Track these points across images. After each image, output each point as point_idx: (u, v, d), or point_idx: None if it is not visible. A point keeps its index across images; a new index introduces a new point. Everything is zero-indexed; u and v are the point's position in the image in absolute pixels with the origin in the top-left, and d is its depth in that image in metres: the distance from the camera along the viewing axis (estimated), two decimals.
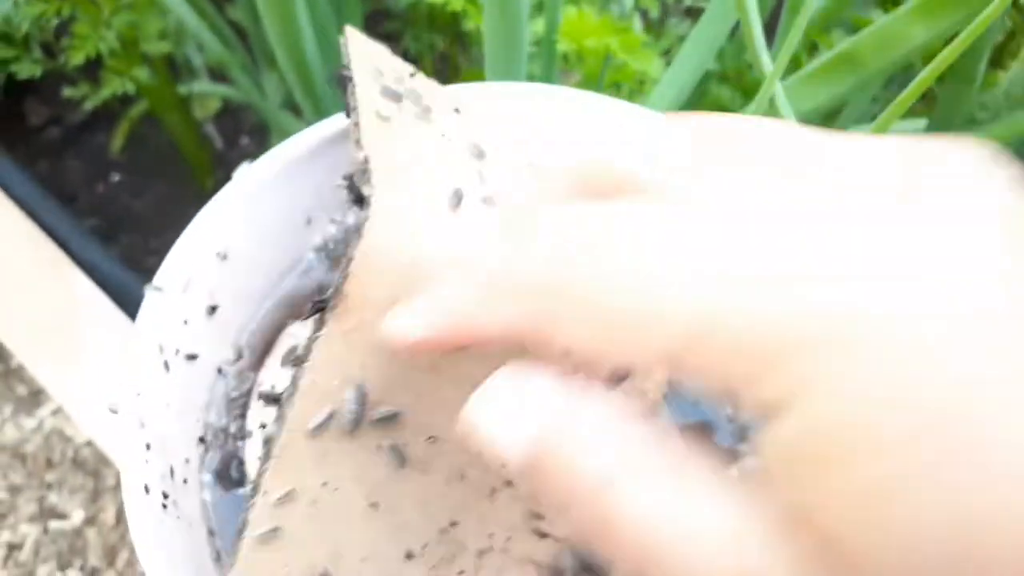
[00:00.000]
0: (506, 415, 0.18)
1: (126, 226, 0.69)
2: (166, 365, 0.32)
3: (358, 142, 0.27)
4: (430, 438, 0.26)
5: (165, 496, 0.30)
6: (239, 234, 0.35)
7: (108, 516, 0.73)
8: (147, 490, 0.28)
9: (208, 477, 0.33)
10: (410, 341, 0.20)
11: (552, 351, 0.17)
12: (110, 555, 0.73)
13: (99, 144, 0.72)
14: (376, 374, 0.25)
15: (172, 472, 0.31)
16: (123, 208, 0.71)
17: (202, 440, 0.33)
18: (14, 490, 0.72)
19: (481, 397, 0.18)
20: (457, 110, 0.31)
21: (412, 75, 0.31)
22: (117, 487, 0.72)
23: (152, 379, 0.31)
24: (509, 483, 0.26)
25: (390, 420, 0.25)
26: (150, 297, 0.32)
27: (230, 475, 0.33)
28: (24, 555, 0.72)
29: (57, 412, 0.76)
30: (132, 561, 0.72)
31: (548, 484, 0.17)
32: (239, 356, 0.35)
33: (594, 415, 0.17)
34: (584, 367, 0.18)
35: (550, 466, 0.17)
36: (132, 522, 0.28)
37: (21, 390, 0.76)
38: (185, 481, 0.32)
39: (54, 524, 0.73)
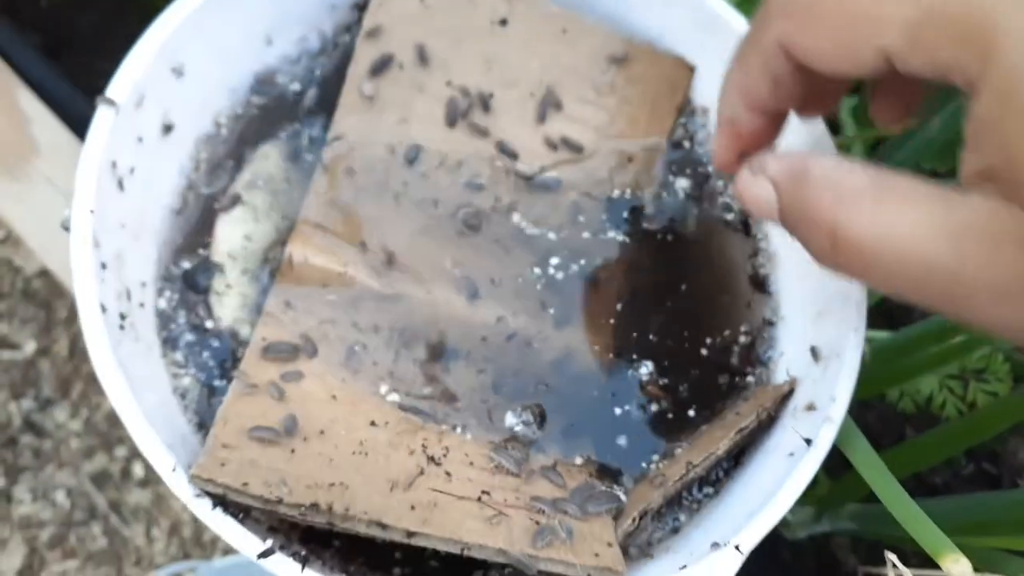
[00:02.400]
0: (759, 182, 0.25)
1: (71, 44, 0.65)
2: (120, 184, 0.30)
3: None
4: None
5: (122, 317, 0.29)
6: (195, 48, 0.33)
7: (61, 348, 0.73)
8: (104, 309, 0.27)
9: (165, 304, 0.32)
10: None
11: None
12: (64, 386, 0.73)
13: None
14: None
15: (129, 294, 0.30)
16: (67, 24, 0.66)
17: (160, 267, 0.32)
18: None
19: (742, 174, 0.26)
20: None
21: None
22: (70, 319, 0.71)
23: (105, 197, 0.29)
24: None
25: None
26: (102, 112, 0.30)
27: (195, 310, 0.32)
28: None
29: (5, 241, 0.74)
30: (87, 393, 0.72)
31: (792, 214, 0.24)
32: (197, 176, 0.34)
33: (819, 165, 0.23)
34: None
35: (793, 205, 0.24)
36: (89, 340, 0.27)
37: None
38: (142, 305, 0.31)
39: (6, 354, 0.72)
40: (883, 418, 0.52)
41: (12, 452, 0.72)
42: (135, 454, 0.70)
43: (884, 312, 0.49)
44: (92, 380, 0.71)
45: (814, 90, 0.27)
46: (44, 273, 0.72)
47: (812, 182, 0.23)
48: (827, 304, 0.33)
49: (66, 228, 0.28)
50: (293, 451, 0.28)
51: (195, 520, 0.72)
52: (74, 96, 0.45)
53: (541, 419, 0.32)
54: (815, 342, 0.32)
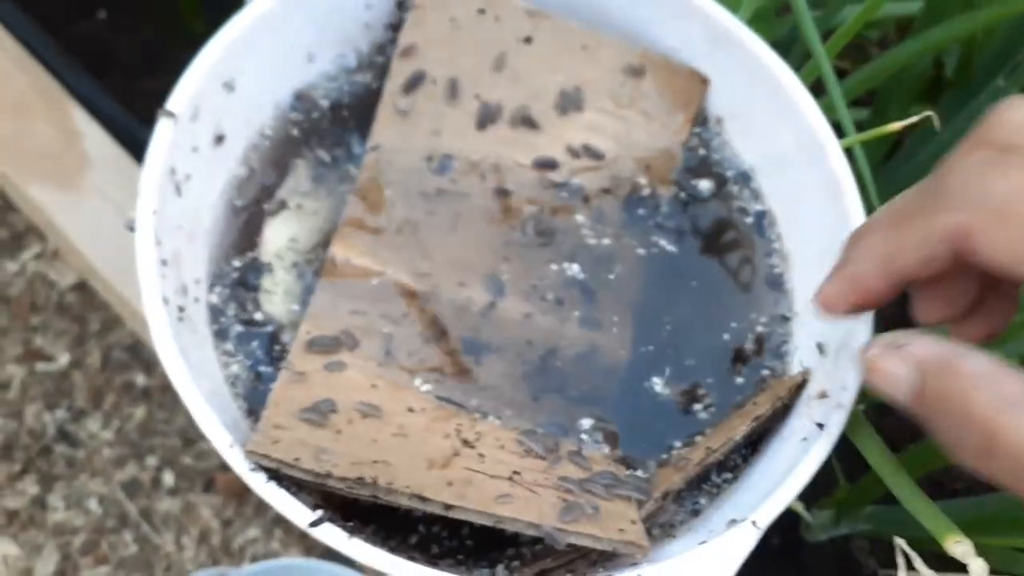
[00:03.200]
0: (897, 361, 0.25)
1: (113, 67, 0.68)
2: (177, 189, 0.33)
3: None
4: None
5: (180, 310, 0.31)
6: (244, 65, 0.36)
7: (94, 360, 0.75)
8: (166, 301, 0.30)
9: (216, 299, 0.34)
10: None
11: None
12: (96, 398, 0.75)
13: None
14: None
15: (185, 290, 0.32)
16: (109, 47, 0.69)
17: (213, 265, 0.35)
18: None
19: (877, 347, 0.26)
20: None
21: None
22: (102, 332, 0.73)
23: (166, 201, 0.32)
24: None
25: None
26: (163, 123, 0.33)
27: (244, 306, 0.34)
28: (12, 394, 0.74)
29: (40, 256, 0.76)
30: (118, 404, 0.74)
31: (935, 403, 0.24)
32: (246, 183, 0.36)
33: (973, 361, 0.23)
34: None
35: (940, 396, 0.24)
36: (154, 330, 0.29)
37: (2, 233, 0.76)
38: (196, 300, 0.33)
39: (40, 366, 0.74)
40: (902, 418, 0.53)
41: (47, 461, 0.74)
42: (165, 463, 0.72)
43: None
44: (124, 392, 0.73)
45: (981, 284, 0.27)
46: (78, 287, 0.74)
47: (965, 378, 0.23)
48: None
49: (131, 228, 0.31)
50: (339, 432, 0.30)
51: (224, 528, 0.74)
52: (121, 113, 0.48)
53: (613, 443, 0.34)
54: (824, 336, 0.34)
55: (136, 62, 0.67)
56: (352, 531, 0.28)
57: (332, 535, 0.27)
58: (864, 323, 0.32)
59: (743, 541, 0.29)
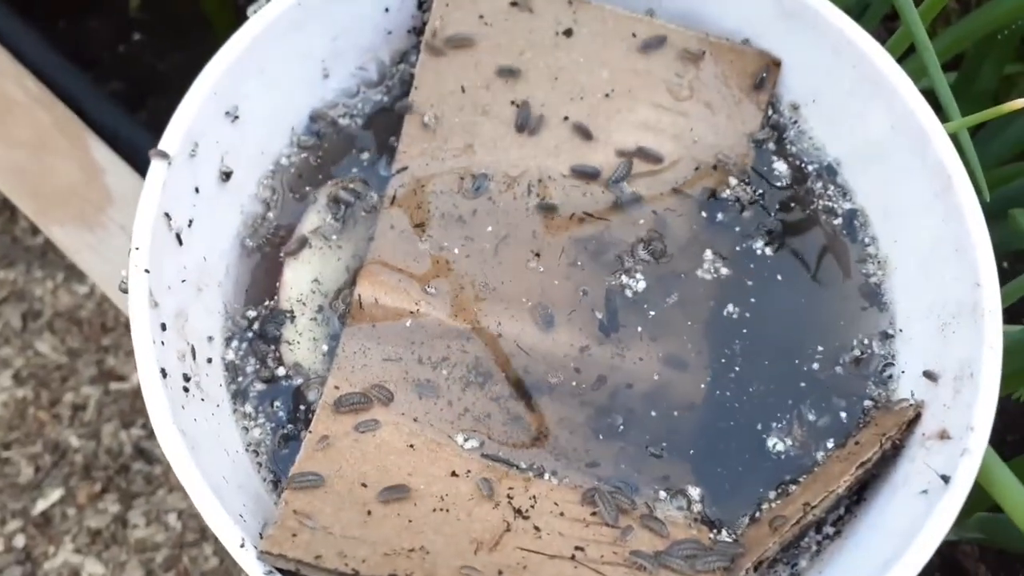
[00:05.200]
0: None
1: (152, 89, 0.66)
2: (178, 238, 0.29)
3: None
4: None
5: (186, 379, 0.28)
6: (249, 89, 0.32)
7: None
8: (164, 374, 0.26)
9: (233, 355, 0.31)
10: None
11: None
12: None
13: (119, 2, 0.68)
14: None
15: (194, 352, 0.29)
16: (148, 70, 0.67)
17: (227, 319, 0.31)
18: (73, 354, 0.73)
19: None
20: None
21: None
22: None
23: (163, 254, 0.28)
24: None
25: None
26: (155, 165, 0.29)
27: (264, 361, 0.30)
28: (88, 415, 0.74)
29: None
30: None
31: None
32: (261, 222, 0.32)
33: None
34: None
35: None
36: (150, 407, 0.26)
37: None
38: (209, 360, 0.30)
39: (114, 385, 0.74)
40: (1010, 418, 0.47)
41: (125, 479, 0.74)
42: None
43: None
44: None
45: None
46: None
47: None
48: (952, 315, 0.29)
49: (124, 290, 0.27)
50: (370, 513, 0.26)
51: None
52: (153, 143, 0.45)
53: (693, 501, 0.29)
54: (938, 359, 0.29)
55: (180, 84, 0.64)
56: None
57: None
58: (990, 348, 0.27)
59: None
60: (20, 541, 0.70)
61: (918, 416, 0.29)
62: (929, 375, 0.29)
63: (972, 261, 0.28)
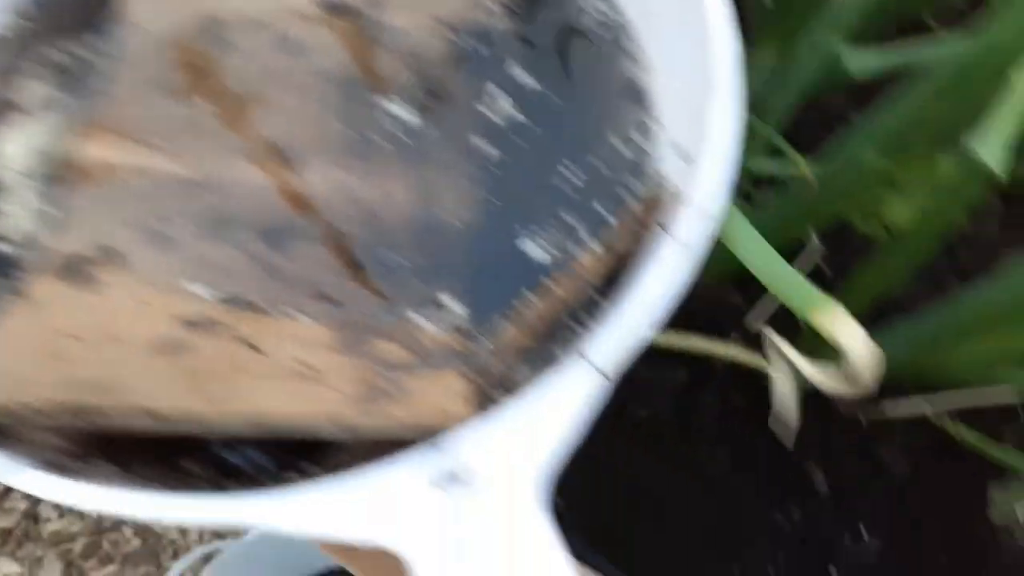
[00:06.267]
0: None
1: None
2: None
3: None
4: None
5: None
6: None
7: None
8: None
9: None
10: None
11: None
12: None
13: None
14: None
15: None
16: None
17: None
18: None
19: None
20: None
21: None
22: None
23: None
24: None
25: None
26: None
27: None
28: None
29: None
30: None
31: None
32: None
33: None
34: None
35: None
36: None
37: None
38: None
39: None
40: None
41: None
42: None
43: None
44: None
45: None
46: None
47: None
48: (699, 98, 0.28)
49: None
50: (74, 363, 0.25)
51: None
52: None
53: (456, 317, 0.28)
54: (688, 137, 0.28)
55: None
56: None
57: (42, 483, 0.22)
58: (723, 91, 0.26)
59: (577, 382, 0.23)
60: None
61: (665, 199, 0.27)
62: (680, 153, 0.28)
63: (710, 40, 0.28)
